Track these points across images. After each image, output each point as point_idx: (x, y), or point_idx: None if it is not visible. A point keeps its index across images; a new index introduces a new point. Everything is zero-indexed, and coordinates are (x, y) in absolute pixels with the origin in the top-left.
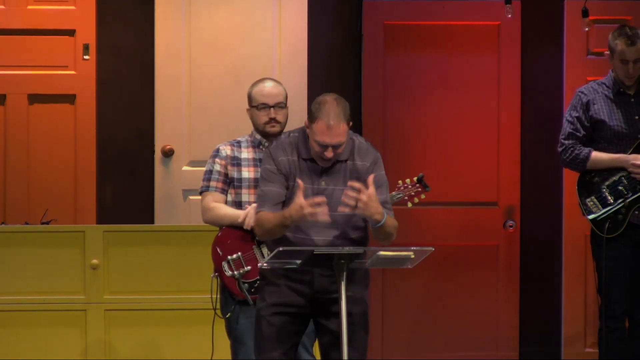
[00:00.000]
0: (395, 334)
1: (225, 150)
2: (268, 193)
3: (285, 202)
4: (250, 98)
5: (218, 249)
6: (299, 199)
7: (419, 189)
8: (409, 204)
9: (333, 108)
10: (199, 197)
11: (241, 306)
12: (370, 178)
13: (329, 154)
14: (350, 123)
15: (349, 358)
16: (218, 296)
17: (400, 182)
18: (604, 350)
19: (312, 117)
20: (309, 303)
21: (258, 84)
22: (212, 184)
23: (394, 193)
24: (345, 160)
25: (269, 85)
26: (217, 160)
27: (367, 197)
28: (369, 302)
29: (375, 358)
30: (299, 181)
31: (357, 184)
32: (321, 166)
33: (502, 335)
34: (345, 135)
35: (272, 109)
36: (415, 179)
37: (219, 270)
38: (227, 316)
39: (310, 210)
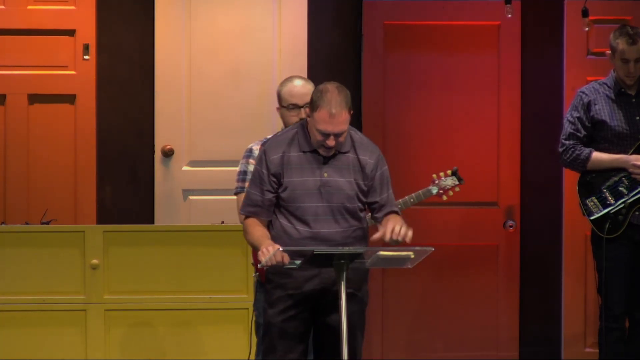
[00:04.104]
0: (395, 334)
1: (258, 150)
2: (252, 197)
3: (284, 195)
4: (279, 97)
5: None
6: (276, 247)
7: (454, 182)
8: (444, 197)
9: (335, 96)
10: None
11: None
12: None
13: (331, 142)
14: (352, 111)
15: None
16: (255, 296)
17: (434, 176)
18: (604, 350)
19: (313, 105)
20: (315, 297)
21: (287, 83)
22: (247, 184)
23: (429, 187)
24: (347, 152)
25: (298, 84)
26: (250, 160)
27: (396, 233)
28: (369, 298)
29: (375, 358)
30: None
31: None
32: (323, 158)
33: (502, 336)
34: (347, 124)
35: (302, 109)
36: (449, 172)
37: (259, 269)
38: None
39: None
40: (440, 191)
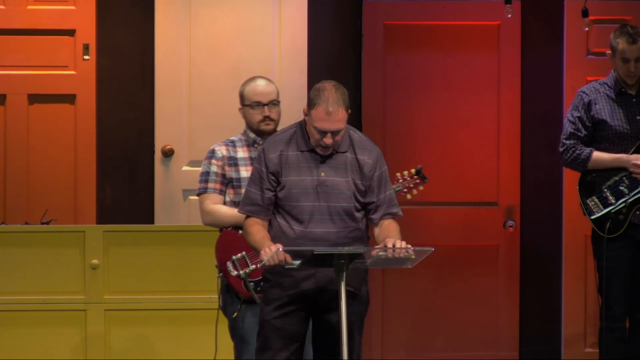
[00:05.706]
0: (395, 334)
1: (221, 150)
2: (251, 196)
3: (281, 194)
4: (242, 97)
5: (222, 250)
6: (276, 247)
7: (418, 181)
8: (408, 196)
9: (332, 94)
10: (198, 198)
11: (247, 305)
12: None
13: (328, 140)
14: (349, 110)
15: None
16: (221, 296)
17: (398, 174)
18: (604, 350)
19: (311, 103)
20: (312, 297)
21: (249, 82)
22: (210, 185)
23: (393, 186)
24: (345, 152)
25: (261, 84)
26: (213, 161)
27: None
28: (369, 298)
29: (375, 358)
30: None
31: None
32: (321, 158)
33: (502, 336)
34: (345, 122)
35: (265, 107)
36: (413, 171)
37: (223, 270)
38: (234, 316)
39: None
40: (405, 190)
